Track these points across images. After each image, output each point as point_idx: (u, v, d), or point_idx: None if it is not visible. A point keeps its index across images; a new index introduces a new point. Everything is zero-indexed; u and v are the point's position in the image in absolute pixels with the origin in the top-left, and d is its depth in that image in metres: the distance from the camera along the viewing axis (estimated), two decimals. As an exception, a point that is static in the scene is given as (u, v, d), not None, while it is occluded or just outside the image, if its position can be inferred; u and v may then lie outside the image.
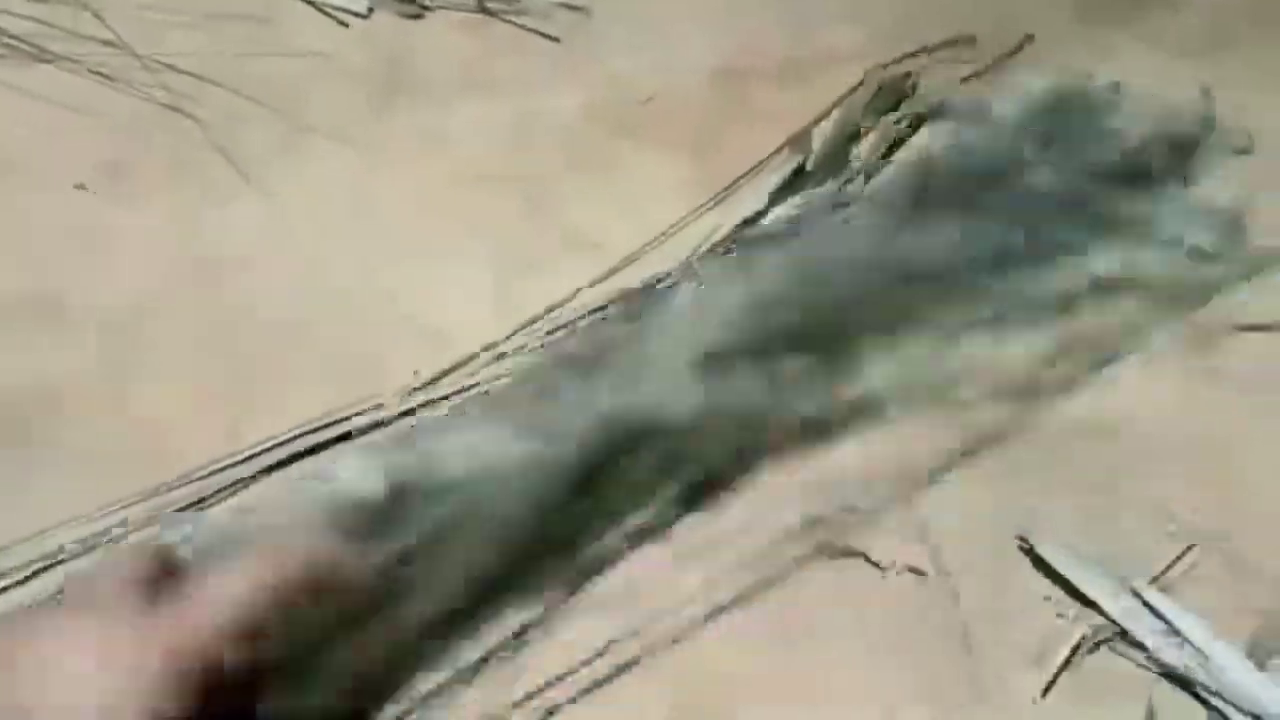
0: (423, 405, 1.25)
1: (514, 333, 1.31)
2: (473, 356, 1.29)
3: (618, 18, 1.76)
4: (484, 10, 1.76)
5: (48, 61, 1.65)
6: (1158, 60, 1.64)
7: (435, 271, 1.41)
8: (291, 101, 1.61)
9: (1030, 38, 1.65)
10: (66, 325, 1.34)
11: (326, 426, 1.23)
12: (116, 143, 1.55)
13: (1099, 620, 1.06)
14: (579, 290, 1.35)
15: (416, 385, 1.26)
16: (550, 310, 1.33)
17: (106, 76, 1.63)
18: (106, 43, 1.67)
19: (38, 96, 1.59)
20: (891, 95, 1.56)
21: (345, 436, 1.22)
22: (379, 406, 1.24)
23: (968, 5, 1.74)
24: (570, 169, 1.53)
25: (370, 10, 1.77)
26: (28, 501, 1.17)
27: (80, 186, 1.49)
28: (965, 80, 1.59)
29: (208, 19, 1.73)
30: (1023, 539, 1.10)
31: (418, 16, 1.77)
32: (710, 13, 1.78)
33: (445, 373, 1.28)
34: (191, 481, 1.19)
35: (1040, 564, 1.08)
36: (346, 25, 1.75)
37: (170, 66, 1.63)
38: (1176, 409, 1.22)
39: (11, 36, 1.68)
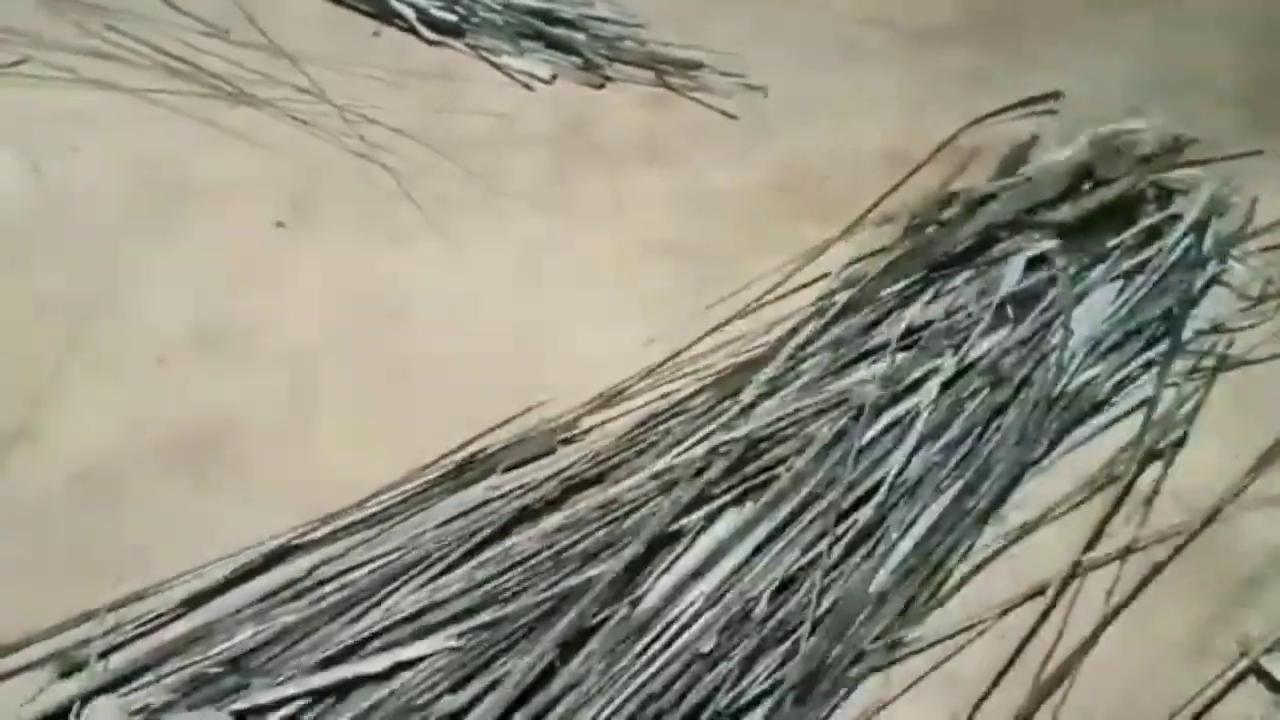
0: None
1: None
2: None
3: (794, 99, 1.78)
4: (664, 85, 1.80)
5: (247, 104, 1.72)
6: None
7: (594, 331, 1.41)
8: (475, 158, 1.65)
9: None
10: (249, 359, 1.37)
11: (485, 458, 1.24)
12: (308, 185, 1.60)
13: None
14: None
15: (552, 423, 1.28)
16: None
17: (303, 122, 1.69)
18: (303, 90, 1.74)
19: (237, 135, 1.66)
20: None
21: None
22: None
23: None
24: (743, 245, 1.54)
25: (554, 77, 1.82)
26: (209, 529, 1.18)
27: (280, 224, 1.54)
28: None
29: (399, 75, 1.79)
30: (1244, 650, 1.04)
31: (599, 86, 1.81)
32: (883, 98, 1.80)
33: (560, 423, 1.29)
34: (365, 506, 1.19)
35: (1262, 675, 1.03)
36: (531, 90, 1.80)
37: (364, 117, 1.69)
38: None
39: (214, 77, 1.76)
